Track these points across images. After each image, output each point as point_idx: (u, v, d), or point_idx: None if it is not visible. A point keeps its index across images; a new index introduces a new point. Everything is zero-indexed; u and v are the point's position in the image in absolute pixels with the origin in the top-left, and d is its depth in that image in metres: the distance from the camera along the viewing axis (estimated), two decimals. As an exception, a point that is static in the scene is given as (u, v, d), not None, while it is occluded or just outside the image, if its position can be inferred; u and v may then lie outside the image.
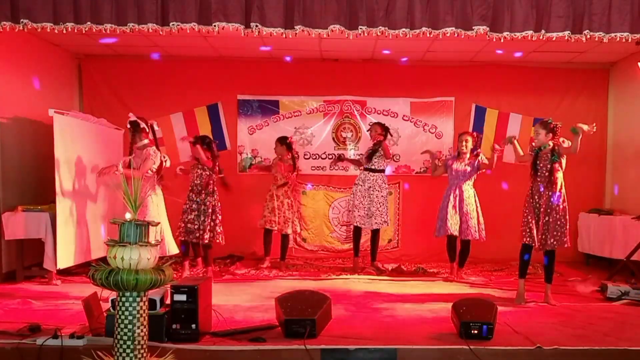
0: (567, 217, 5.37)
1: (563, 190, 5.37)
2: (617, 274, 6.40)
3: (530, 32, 5.03)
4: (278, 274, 6.99)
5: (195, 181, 6.55)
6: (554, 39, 5.10)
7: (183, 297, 3.97)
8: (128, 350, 3.19)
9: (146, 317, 3.28)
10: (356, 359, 3.84)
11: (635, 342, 4.07)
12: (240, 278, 6.83)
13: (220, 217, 6.59)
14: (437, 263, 7.43)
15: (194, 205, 6.49)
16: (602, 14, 4.99)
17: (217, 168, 6.65)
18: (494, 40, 5.14)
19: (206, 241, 6.46)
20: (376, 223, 7.07)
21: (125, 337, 3.20)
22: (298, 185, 7.73)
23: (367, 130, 7.57)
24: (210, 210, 6.48)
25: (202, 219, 6.45)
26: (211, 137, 7.27)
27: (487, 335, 4.06)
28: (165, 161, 6.16)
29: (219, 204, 6.62)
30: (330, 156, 8.40)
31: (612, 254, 7.03)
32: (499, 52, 7.47)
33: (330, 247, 8.44)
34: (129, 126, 6.13)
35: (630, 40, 5.06)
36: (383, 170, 7.16)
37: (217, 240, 6.57)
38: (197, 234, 6.45)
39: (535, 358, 3.88)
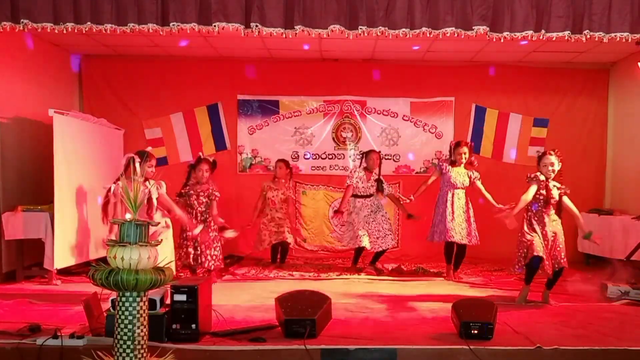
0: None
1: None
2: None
3: (530, 32, 5.03)
4: (278, 274, 6.99)
5: (199, 208, 6.32)
6: (554, 39, 5.10)
7: (183, 297, 3.97)
8: (128, 350, 3.19)
9: (146, 317, 3.28)
10: (356, 359, 3.83)
11: (635, 342, 4.07)
12: (240, 278, 6.84)
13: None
14: (437, 263, 7.42)
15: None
16: (602, 14, 5.00)
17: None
18: (494, 40, 5.14)
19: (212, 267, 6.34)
20: (385, 244, 6.99)
21: (125, 337, 3.19)
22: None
23: (360, 157, 7.26)
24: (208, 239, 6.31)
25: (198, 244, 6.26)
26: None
27: (487, 335, 4.06)
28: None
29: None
30: (330, 156, 8.41)
31: (612, 254, 7.02)
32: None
33: (330, 247, 8.45)
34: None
35: (630, 40, 5.07)
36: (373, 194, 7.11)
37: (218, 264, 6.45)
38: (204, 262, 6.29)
39: (535, 358, 3.88)
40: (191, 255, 6.23)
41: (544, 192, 5.28)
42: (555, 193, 5.33)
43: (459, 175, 6.67)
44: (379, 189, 7.02)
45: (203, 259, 6.23)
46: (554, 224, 5.35)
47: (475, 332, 4.05)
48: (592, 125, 8.40)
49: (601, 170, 8.41)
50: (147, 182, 5.67)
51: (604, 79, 8.40)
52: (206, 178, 6.32)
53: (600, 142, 8.40)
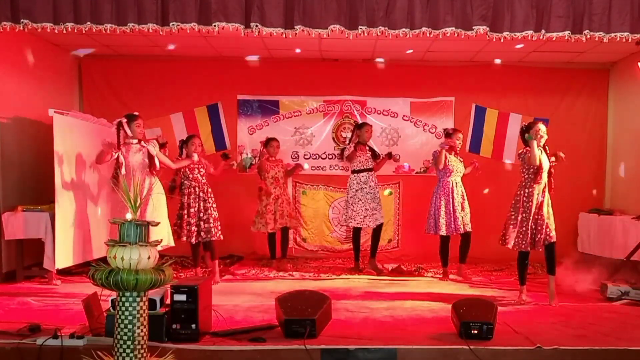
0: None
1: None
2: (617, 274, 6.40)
3: (530, 32, 5.03)
4: (278, 274, 6.99)
5: (202, 180, 6.50)
6: (554, 39, 5.10)
7: (183, 297, 3.97)
8: (128, 350, 3.19)
9: (146, 317, 3.28)
10: (356, 359, 3.84)
11: (635, 342, 4.07)
12: (240, 278, 6.84)
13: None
14: (437, 263, 7.41)
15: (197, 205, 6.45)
16: (602, 14, 5.00)
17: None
18: (494, 40, 5.14)
19: (214, 238, 6.44)
20: (376, 219, 7.06)
21: (125, 337, 3.20)
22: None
23: (356, 130, 7.26)
24: (210, 207, 6.46)
25: (205, 217, 6.41)
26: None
27: (487, 335, 4.06)
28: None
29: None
30: (330, 156, 8.42)
31: (612, 254, 7.03)
32: (498, 62, 7.44)
33: (330, 247, 8.45)
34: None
35: (630, 40, 5.06)
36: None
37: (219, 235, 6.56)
38: (206, 234, 6.41)
39: (535, 358, 3.89)
40: (186, 231, 6.36)
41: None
42: (545, 163, 5.33)
43: (455, 162, 6.72)
44: (374, 157, 7.10)
45: (209, 229, 6.35)
46: (541, 198, 5.32)
47: (475, 332, 4.05)
48: (592, 125, 8.39)
49: (601, 170, 8.40)
50: (142, 143, 5.94)
51: (604, 79, 8.39)
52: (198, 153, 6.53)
53: (600, 142, 8.39)
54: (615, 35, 5.02)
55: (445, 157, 6.66)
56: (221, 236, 6.52)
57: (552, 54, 7.67)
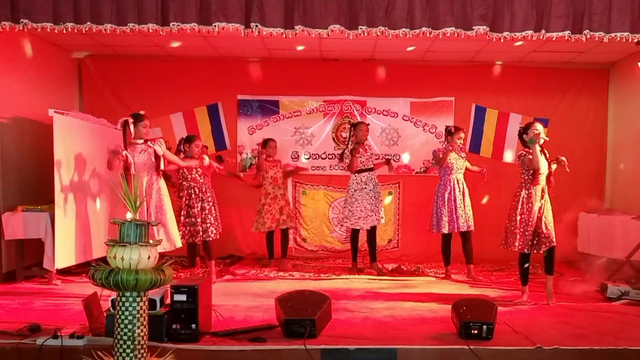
0: None
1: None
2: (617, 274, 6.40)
3: (530, 32, 5.03)
4: (278, 274, 6.99)
5: (200, 180, 6.56)
6: (554, 39, 5.10)
7: (183, 297, 3.98)
8: (128, 350, 3.19)
9: (146, 317, 3.28)
10: (356, 359, 3.84)
11: (635, 342, 4.07)
12: (240, 278, 6.84)
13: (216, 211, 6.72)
14: (437, 263, 7.42)
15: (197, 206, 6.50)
16: (602, 14, 5.00)
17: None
18: (494, 40, 5.14)
19: (211, 238, 6.50)
20: (371, 221, 7.03)
21: (125, 337, 3.20)
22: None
23: (352, 130, 7.16)
24: (210, 207, 6.54)
25: (203, 216, 6.47)
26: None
27: (487, 335, 4.06)
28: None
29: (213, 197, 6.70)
30: (330, 156, 8.42)
31: (612, 254, 7.02)
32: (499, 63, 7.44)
33: (330, 247, 8.45)
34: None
35: (630, 40, 5.06)
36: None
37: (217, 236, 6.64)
38: (203, 233, 6.46)
39: (535, 358, 3.89)
40: (188, 231, 6.43)
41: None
42: (543, 165, 5.31)
43: (455, 159, 6.75)
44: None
45: (206, 229, 6.42)
46: (542, 200, 5.33)
47: (475, 332, 4.06)
48: (592, 125, 8.39)
49: (601, 170, 8.41)
50: (147, 143, 5.88)
51: (604, 79, 8.39)
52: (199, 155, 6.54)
53: (600, 142, 8.39)
54: (615, 35, 5.02)
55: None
56: (217, 235, 6.61)
57: (552, 54, 7.67)
